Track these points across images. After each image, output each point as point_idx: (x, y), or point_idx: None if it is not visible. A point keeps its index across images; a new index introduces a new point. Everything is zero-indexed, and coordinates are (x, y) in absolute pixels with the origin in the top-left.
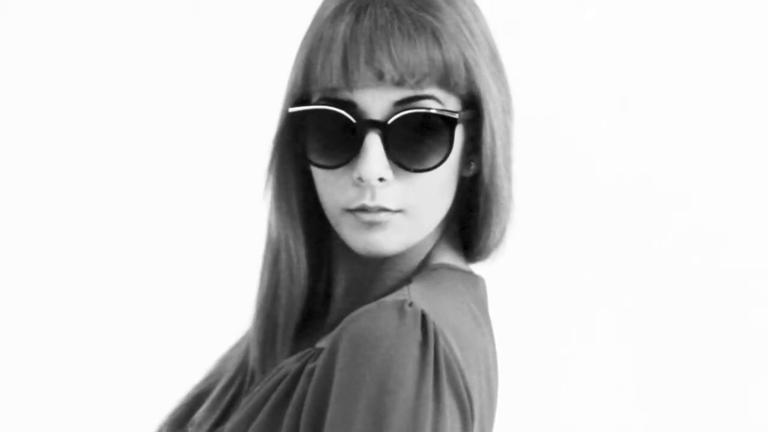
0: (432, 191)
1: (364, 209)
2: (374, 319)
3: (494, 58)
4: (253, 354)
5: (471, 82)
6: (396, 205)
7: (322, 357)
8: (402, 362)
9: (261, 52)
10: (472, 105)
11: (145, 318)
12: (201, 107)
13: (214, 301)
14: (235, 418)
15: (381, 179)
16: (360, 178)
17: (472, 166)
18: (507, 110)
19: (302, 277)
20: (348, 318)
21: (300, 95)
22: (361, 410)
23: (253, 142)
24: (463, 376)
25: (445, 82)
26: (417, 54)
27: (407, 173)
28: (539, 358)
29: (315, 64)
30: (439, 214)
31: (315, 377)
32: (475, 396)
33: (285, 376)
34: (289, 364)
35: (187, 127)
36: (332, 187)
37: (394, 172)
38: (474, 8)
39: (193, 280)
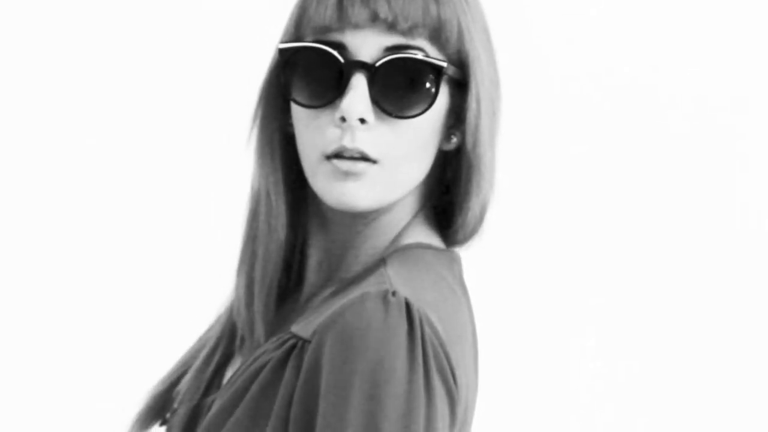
0: (411, 144)
1: (342, 152)
2: (360, 313)
3: (487, 37)
4: (241, 315)
5: (461, 45)
6: (374, 152)
7: (308, 355)
8: (392, 354)
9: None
10: (461, 70)
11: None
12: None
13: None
14: (216, 406)
15: (362, 120)
16: (342, 118)
17: (453, 140)
18: (495, 84)
19: (280, 231)
20: (333, 312)
21: (291, 41)
22: (355, 404)
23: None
24: (449, 362)
25: (437, 36)
26: (414, 2)
27: (389, 119)
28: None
29: (309, 7)
30: (414, 174)
31: (303, 375)
32: (461, 377)
33: (265, 364)
34: (269, 351)
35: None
36: (313, 130)
37: (377, 117)
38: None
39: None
